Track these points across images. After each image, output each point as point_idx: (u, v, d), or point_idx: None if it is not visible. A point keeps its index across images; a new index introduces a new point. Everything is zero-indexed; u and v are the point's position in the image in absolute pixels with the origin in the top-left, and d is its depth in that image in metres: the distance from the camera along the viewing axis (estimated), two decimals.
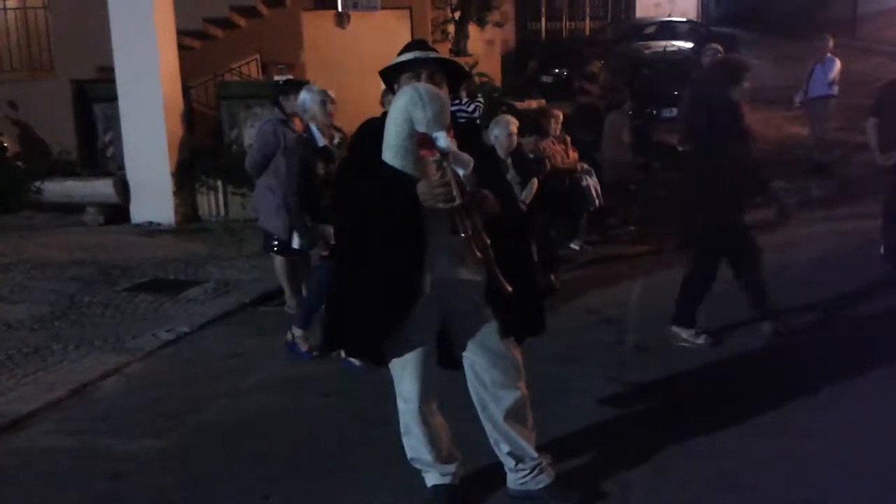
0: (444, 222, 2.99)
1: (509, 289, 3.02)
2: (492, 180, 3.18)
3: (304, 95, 5.34)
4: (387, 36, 13.23)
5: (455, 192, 2.89)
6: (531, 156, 6.91)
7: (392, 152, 2.98)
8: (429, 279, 3.07)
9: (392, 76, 3.19)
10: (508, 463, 3.38)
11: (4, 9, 11.56)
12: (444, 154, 2.91)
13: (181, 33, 9.66)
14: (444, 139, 2.91)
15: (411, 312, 3.07)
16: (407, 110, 2.92)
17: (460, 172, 2.93)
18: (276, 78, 9.95)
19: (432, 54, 3.16)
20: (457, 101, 7.49)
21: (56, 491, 3.69)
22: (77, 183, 9.36)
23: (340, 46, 12.94)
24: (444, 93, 3.02)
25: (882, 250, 6.49)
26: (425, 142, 2.93)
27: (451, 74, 3.21)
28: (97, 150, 10.17)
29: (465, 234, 2.94)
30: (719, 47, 7.62)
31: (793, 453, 3.74)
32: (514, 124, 6.44)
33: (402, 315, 3.06)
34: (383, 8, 12.85)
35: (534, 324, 3.32)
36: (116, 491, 3.67)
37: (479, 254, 2.97)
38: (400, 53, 3.20)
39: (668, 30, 19.88)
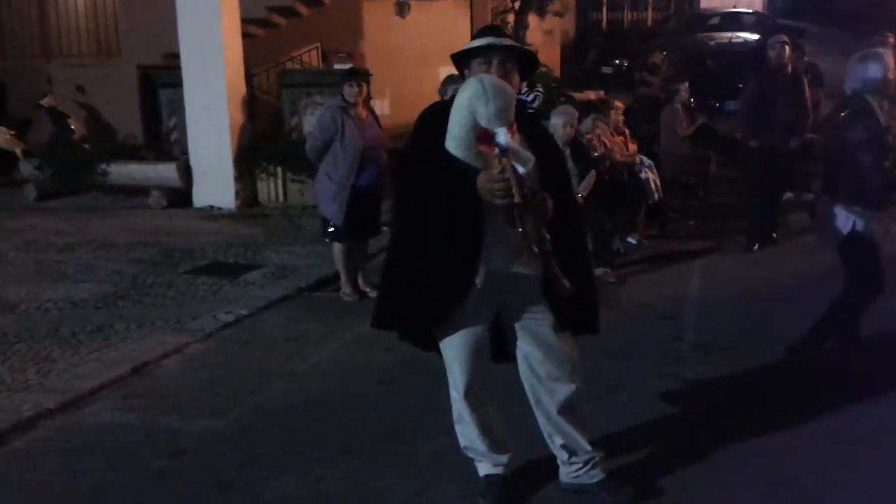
0: (503, 215, 2.97)
1: (567, 285, 2.99)
2: (552, 173, 3.15)
3: None
4: (446, 25, 13.22)
5: (514, 190, 2.85)
6: (587, 138, 6.86)
7: (455, 143, 2.96)
8: (483, 270, 3.05)
9: (463, 61, 3.17)
10: (562, 456, 3.36)
11: None
12: (504, 151, 2.88)
13: (245, 21, 9.77)
14: (504, 136, 2.87)
15: (464, 301, 3.07)
16: (471, 103, 2.91)
17: (520, 170, 2.90)
18: (336, 66, 10.04)
19: (505, 41, 3.14)
20: (517, 91, 7.45)
21: (117, 467, 3.78)
22: (142, 166, 9.57)
23: (400, 36, 12.97)
24: (509, 87, 2.98)
25: None
26: (485, 137, 2.90)
27: (523, 63, 3.18)
28: (161, 134, 10.37)
29: (522, 229, 2.91)
30: (787, 39, 7.25)
31: (851, 461, 3.64)
32: (573, 115, 6.39)
33: (453, 302, 3.06)
34: None
35: (588, 322, 3.30)
36: (176, 469, 3.75)
37: (535, 249, 2.94)
38: (473, 38, 3.18)
39: (734, 21, 19.49)
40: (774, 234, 7.38)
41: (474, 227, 3.01)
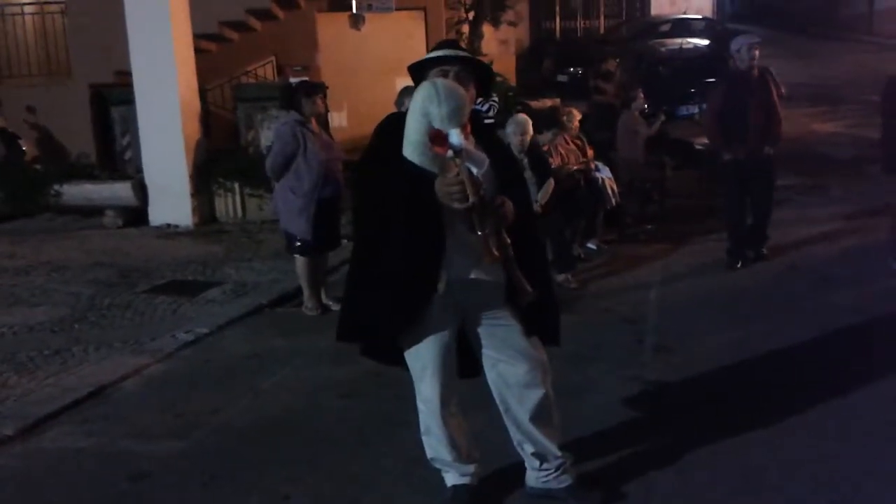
0: (462, 220, 2.96)
1: (530, 289, 3.00)
2: (509, 181, 3.16)
3: None
4: (401, 37, 13.25)
5: (469, 191, 2.86)
6: (544, 148, 6.90)
7: (412, 147, 2.96)
8: (445, 278, 3.05)
9: (419, 73, 3.17)
10: (532, 463, 3.36)
11: (23, 14, 11.67)
12: (458, 152, 2.88)
13: (197, 36, 9.70)
14: (457, 136, 2.87)
15: (427, 308, 3.06)
16: (424, 105, 2.92)
17: (474, 171, 2.90)
18: (292, 80, 10.00)
19: (461, 53, 3.16)
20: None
21: (77, 492, 3.70)
22: (96, 186, 9.43)
23: (355, 48, 12.97)
24: (462, 90, 2.99)
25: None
26: (438, 138, 2.90)
27: (480, 76, 3.19)
28: (115, 153, 10.24)
29: (482, 233, 2.91)
30: (758, 39, 6.68)
31: (818, 455, 3.70)
32: (528, 123, 6.43)
33: (416, 309, 3.05)
34: (397, 9, 12.85)
35: (549, 334, 3.30)
36: (138, 492, 3.68)
37: (496, 253, 2.94)
38: (430, 51, 3.20)
39: (684, 27, 19.78)
40: (764, 251, 6.90)
41: (434, 232, 3.01)
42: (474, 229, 2.91)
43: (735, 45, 6.68)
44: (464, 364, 3.27)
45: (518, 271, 3.01)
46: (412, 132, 2.96)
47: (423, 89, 2.95)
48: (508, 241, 2.98)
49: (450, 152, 2.89)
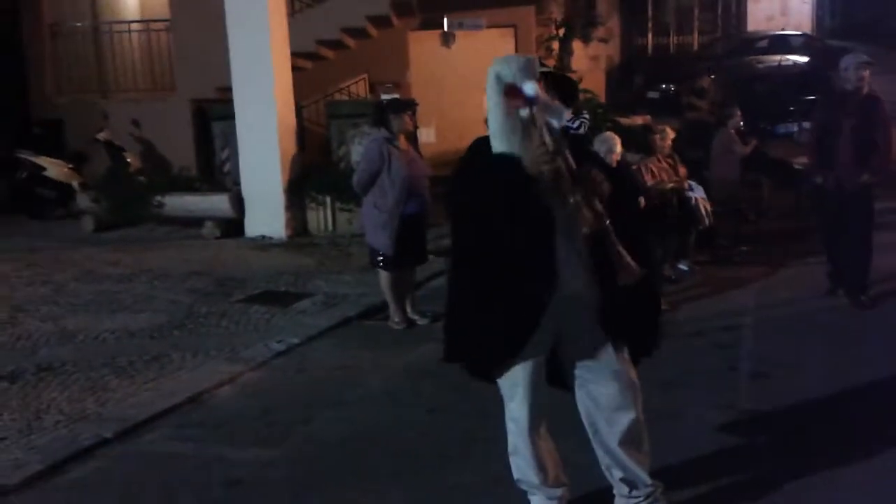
0: (558, 202, 2.91)
1: (634, 266, 2.92)
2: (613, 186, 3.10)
3: None
4: (491, 54, 13.22)
5: (548, 143, 2.84)
6: (635, 168, 6.81)
7: (498, 138, 2.97)
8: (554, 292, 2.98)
9: None
10: (621, 489, 3.29)
11: (129, 31, 12.22)
12: (533, 101, 2.87)
13: (295, 55, 9.97)
14: (531, 88, 2.87)
15: (539, 326, 2.99)
16: (496, 74, 2.97)
17: (554, 123, 2.90)
18: (383, 97, 10.17)
19: (545, 68, 3.16)
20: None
21: (174, 497, 3.82)
22: (196, 198, 9.78)
23: (446, 65, 13.09)
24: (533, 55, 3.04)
25: None
26: (513, 92, 2.90)
27: (563, 90, 3.17)
28: (214, 166, 10.60)
29: (574, 200, 2.88)
30: (868, 59, 6.13)
31: None
32: (616, 141, 6.36)
33: (530, 330, 2.98)
34: (488, 27, 12.91)
35: (650, 339, 3.22)
36: (231, 499, 3.78)
37: (591, 221, 2.88)
38: None
39: (782, 44, 19.29)
40: (863, 298, 6.17)
41: (543, 232, 2.94)
42: (564, 195, 2.88)
43: (843, 64, 6.17)
44: (554, 375, 3.21)
45: (619, 246, 2.93)
46: (493, 121, 3.00)
47: (493, 65, 3.02)
48: (603, 211, 2.92)
49: (526, 110, 2.88)
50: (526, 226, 2.94)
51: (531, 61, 2.98)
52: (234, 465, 4.07)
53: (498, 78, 2.96)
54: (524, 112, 2.91)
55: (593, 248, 2.98)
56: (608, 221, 2.93)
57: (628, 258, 2.94)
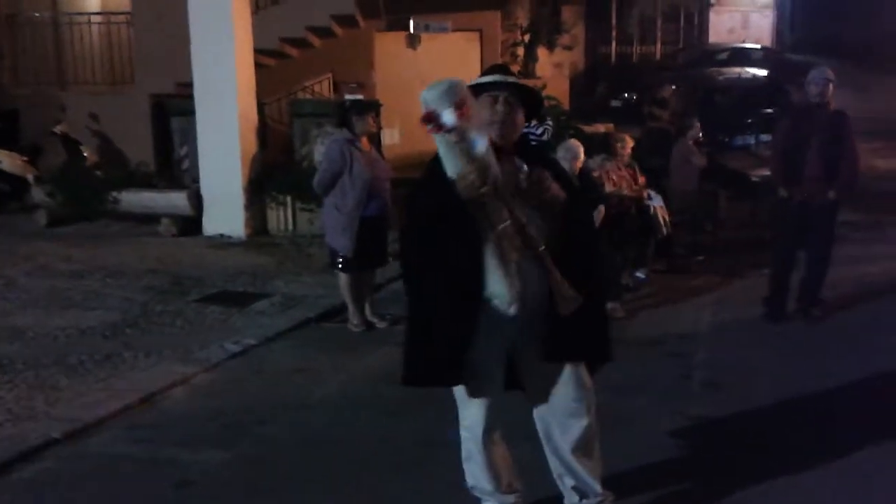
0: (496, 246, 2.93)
1: (571, 295, 2.94)
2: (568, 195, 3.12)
3: None
4: (457, 57, 13.33)
5: (466, 167, 2.83)
6: (596, 174, 6.86)
7: (444, 161, 2.95)
8: (515, 301, 2.99)
9: None
10: (571, 498, 3.32)
11: (89, 22, 12.01)
12: (450, 130, 2.85)
13: (258, 52, 9.87)
14: (449, 115, 2.84)
15: (470, 344, 3.01)
16: (422, 101, 2.91)
17: (478, 146, 2.86)
18: (346, 97, 10.13)
19: (510, 79, 3.17)
20: (526, 125, 7.47)
21: (122, 499, 3.77)
22: (153, 194, 9.62)
23: (411, 67, 13.07)
24: (459, 79, 2.98)
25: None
26: (428, 118, 2.88)
27: (529, 101, 3.20)
28: (173, 162, 10.45)
29: (501, 227, 2.88)
30: (832, 75, 6.01)
31: (864, 495, 3.61)
32: (579, 148, 6.41)
33: (468, 333, 3.00)
34: (454, 30, 12.95)
35: (600, 350, 3.24)
36: (181, 500, 3.74)
37: (516, 250, 2.89)
38: (481, 75, 3.22)
39: (742, 56, 19.61)
40: (815, 311, 6.23)
41: (473, 253, 2.97)
42: (493, 221, 2.89)
43: (810, 78, 6.06)
44: (509, 377, 3.22)
45: (557, 273, 2.95)
46: (439, 145, 2.96)
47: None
48: (539, 237, 2.93)
49: (444, 134, 2.86)
50: (458, 246, 2.96)
51: (453, 87, 2.90)
52: (185, 466, 4.02)
53: (423, 103, 2.92)
54: (442, 138, 2.90)
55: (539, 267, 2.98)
56: (560, 237, 2.93)
57: (566, 287, 2.95)
